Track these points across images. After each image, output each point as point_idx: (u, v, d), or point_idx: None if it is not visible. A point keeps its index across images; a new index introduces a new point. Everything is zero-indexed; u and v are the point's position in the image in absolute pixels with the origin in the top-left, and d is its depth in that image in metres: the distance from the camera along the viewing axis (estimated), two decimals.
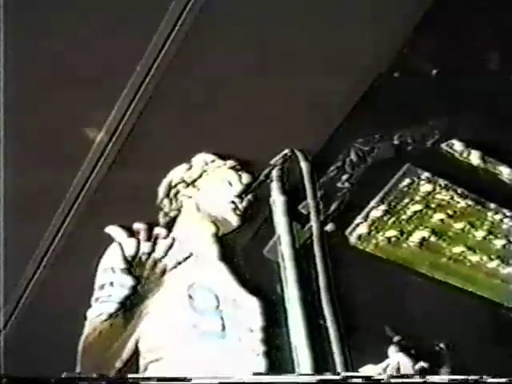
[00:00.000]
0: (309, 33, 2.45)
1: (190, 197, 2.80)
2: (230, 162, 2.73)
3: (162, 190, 2.78)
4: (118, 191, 2.76)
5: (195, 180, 2.78)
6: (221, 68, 2.52)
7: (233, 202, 2.75)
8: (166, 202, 2.79)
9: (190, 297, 2.71)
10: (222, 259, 2.73)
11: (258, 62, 2.51)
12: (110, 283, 2.77)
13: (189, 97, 2.59)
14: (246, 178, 2.75)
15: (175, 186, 2.78)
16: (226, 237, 2.77)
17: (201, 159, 2.74)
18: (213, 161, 2.74)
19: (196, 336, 2.69)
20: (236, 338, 2.65)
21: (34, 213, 2.79)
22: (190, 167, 2.76)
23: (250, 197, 2.75)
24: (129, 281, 2.74)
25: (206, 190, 2.79)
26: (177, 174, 2.77)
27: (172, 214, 2.81)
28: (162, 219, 2.82)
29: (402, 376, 2.58)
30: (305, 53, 2.48)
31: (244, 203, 2.75)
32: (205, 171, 2.76)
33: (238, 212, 2.75)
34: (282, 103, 2.57)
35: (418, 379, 2.47)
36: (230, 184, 2.75)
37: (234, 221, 2.76)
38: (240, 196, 2.75)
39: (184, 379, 2.42)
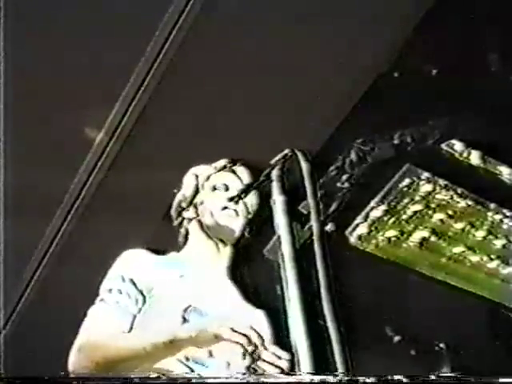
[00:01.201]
0: (309, 33, 2.45)
1: (192, 219, 2.78)
2: (219, 163, 2.71)
3: (174, 220, 2.79)
4: (118, 191, 2.76)
5: (191, 201, 2.76)
6: (221, 68, 2.52)
7: (228, 208, 2.73)
8: (178, 229, 2.80)
9: (184, 319, 2.70)
10: (230, 278, 2.72)
11: (258, 62, 2.51)
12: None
13: (188, 97, 2.59)
14: (241, 171, 2.73)
15: (180, 213, 2.77)
16: (230, 255, 2.75)
17: (191, 175, 2.73)
18: (202, 173, 2.73)
19: (180, 359, 2.70)
20: (224, 363, 2.64)
21: (34, 213, 2.79)
22: (184, 189, 2.75)
23: (249, 197, 2.73)
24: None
25: (202, 205, 2.78)
26: (176, 200, 2.76)
27: (182, 240, 2.81)
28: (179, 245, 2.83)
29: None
30: (305, 53, 2.49)
31: (243, 205, 2.73)
32: (197, 187, 2.74)
33: (238, 215, 2.73)
34: (282, 103, 2.57)
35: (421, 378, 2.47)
36: (225, 188, 2.73)
37: (236, 226, 2.74)
38: (233, 199, 2.72)
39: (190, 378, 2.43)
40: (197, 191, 2.74)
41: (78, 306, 2.84)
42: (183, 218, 2.78)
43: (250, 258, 2.76)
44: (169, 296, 2.74)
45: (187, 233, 2.79)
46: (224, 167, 2.71)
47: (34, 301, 3.00)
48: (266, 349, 2.62)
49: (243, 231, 2.73)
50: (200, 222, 2.76)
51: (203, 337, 2.67)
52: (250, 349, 2.61)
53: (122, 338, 2.74)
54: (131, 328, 2.74)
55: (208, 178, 2.72)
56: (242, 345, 2.62)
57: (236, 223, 2.73)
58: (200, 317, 2.68)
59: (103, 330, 2.77)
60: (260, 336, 2.62)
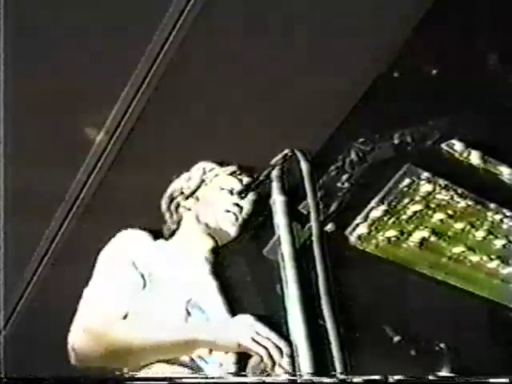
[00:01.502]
0: (309, 33, 2.45)
1: (189, 209, 2.78)
2: (229, 168, 2.72)
3: (163, 202, 2.77)
4: (118, 191, 2.76)
5: (194, 191, 2.76)
6: (221, 68, 2.52)
7: (231, 212, 2.73)
8: (167, 214, 2.78)
9: (188, 312, 2.69)
10: (213, 274, 2.72)
11: (257, 62, 2.51)
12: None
13: (188, 97, 2.59)
14: (246, 180, 2.74)
15: (175, 198, 2.77)
16: (222, 253, 2.75)
17: (199, 168, 2.73)
18: (211, 169, 2.73)
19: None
20: (217, 363, 2.64)
21: (34, 213, 2.80)
22: (189, 178, 2.75)
23: (249, 203, 2.73)
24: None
25: (205, 201, 2.78)
26: (177, 185, 2.76)
27: (173, 226, 2.80)
28: (165, 231, 2.81)
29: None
30: (305, 53, 2.49)
31: (244, 212, 2.73)
32: (203, 181, 2.74)
33: (238, 221, 2.73)
34: (282, 103, 2.57)
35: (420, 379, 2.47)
36: (231, 192, 2.73)
37: (233, 231, 2.74)
38: (238, 205, 2.72)
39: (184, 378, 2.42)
40: (201, 184, 2.74)
41: (79, 305, 2.84)
42: (178, 205, 2.78)
43: (250, 258, 2.76)
44: (169, 285, 2.73)
45: (181, 218, 2.79)
46: (233, 172, 2.72)
47: (34, 301, 3.00)
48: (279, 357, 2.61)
49: (238, 234, 2.73)
50: (197, 215, 2.77)
51: (225, 342, 2.65)
52: (266, 359, 2.61)
53: (123, 325, 2.71)
54: (126, 315, 2.71)
55: (216, 175, 2.73)
56: (259, 355, 2.61)
57: (234, 227, 2.74)
58: (201, 313, 2.68)
59: (104, 312, 2.74)
60: (269, 340, 2.62)
